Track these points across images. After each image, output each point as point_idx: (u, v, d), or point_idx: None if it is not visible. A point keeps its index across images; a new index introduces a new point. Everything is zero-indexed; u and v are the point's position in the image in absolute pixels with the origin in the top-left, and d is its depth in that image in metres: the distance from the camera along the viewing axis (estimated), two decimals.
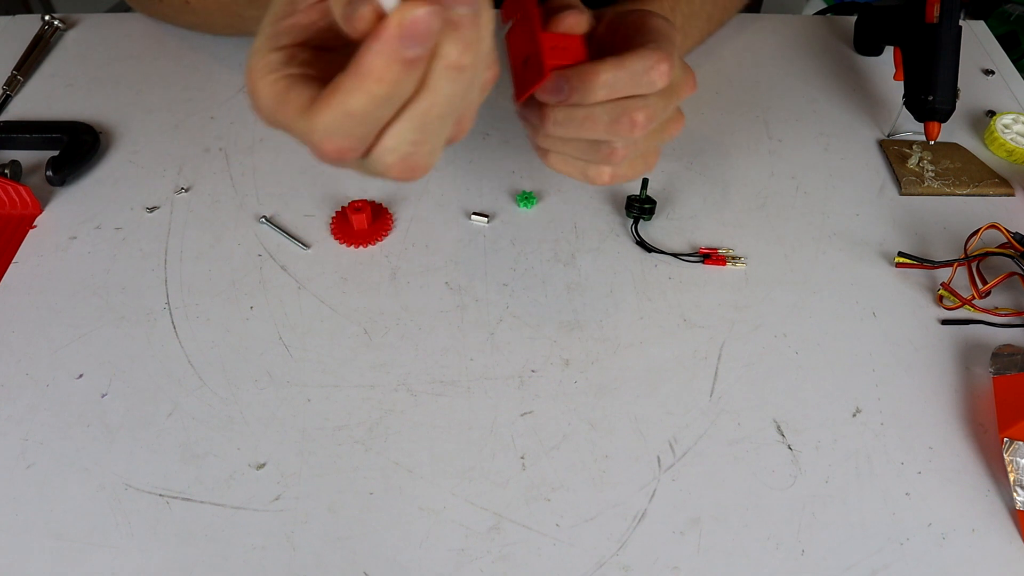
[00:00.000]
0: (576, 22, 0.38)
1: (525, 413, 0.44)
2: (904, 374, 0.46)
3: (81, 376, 0.45)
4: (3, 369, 0.46)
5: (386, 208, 0.55)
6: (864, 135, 0.62)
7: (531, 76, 0.39)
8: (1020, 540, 0.39)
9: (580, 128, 0.40)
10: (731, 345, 0.47)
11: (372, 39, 0.26)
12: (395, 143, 0.30)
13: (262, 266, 0.51)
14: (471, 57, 0.28)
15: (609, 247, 0.53)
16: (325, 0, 0.31)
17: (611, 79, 0.38)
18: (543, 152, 0.44)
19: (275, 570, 0.38)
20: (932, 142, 0.57)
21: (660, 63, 0.39)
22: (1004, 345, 0.47)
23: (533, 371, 0.46)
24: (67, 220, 0.54)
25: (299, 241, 0.53)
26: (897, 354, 0.47)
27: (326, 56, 0.32)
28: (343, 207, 0.54)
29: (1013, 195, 0.57)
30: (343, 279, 0.51)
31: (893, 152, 0.60)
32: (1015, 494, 0.40)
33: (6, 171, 0.56)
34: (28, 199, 0.54)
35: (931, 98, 0.55)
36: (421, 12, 0.25)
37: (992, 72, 0.68)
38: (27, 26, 0.70)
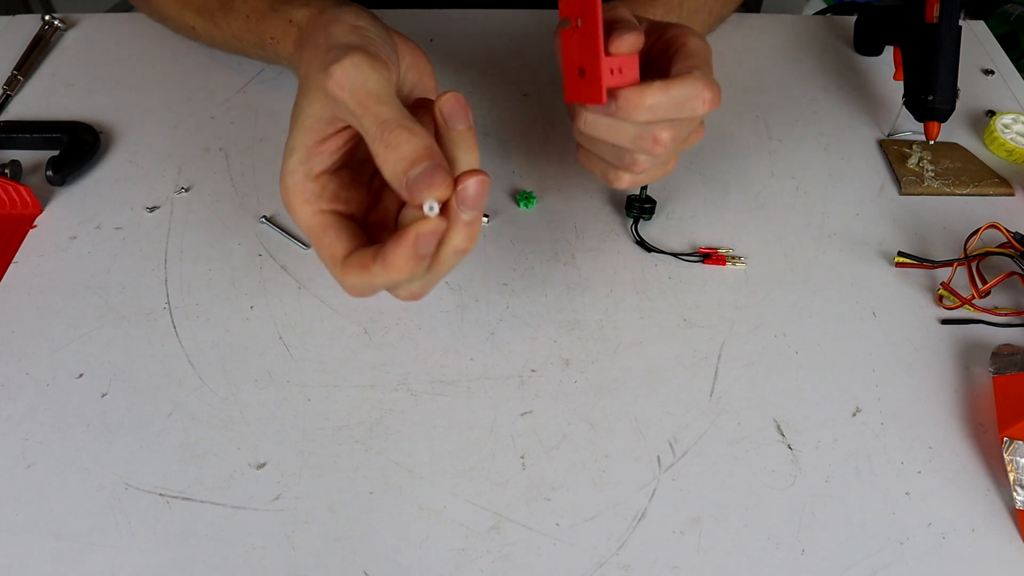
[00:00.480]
0: (635, 42, 0.40)
1: (525, 413, 0.44)
2: (904, 374, 0.46)
3: (81, 376, 0.45)
4: (3, 369, 0.46)
5: None
6: (864, 135, 0.62)
7: (586, 93, 0.41)
8: (1020, 540, 0.39)
9: (607, 134, 0.43)
10: (731, 345, 0.47)
11: (395, 243, 0.33)
12: (406, 291, 0.38)
13: (262, 266, 0.51)
14: (473, 243, 0.36)
15: (609, 247, 0.53)
16: (350, 128, 0.37)
17: (655, 104, 0.40)
18: (577, 145, 0.47)
19: (275, 570, 0.38)
20: (932, 142, 0.57)
21: (705, 91, 0.41)
22: (1004, 345, 0.47)
23: (533, 371, 0.46)
24: (67, 220, 0.54)
25: (299, 241, 0.53)
26: (897, 354, 0.47)
27: (348, 176, 0.39)
28: None
29: (1013, 195, 0.57)
30: None
31: (893, 152, 0.60)
32: (1015, 493, 0.40)
33: (6, 171, 0.56)
34: (28, 199, 0.54)
35: (931, 98, 0.55)
36: (429, 227, 0.33)
37: (992, 72, 0.68)
38: (27, 26, 0.70)
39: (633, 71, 0.40)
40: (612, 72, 0.39)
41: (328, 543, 0.39)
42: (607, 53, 0.39)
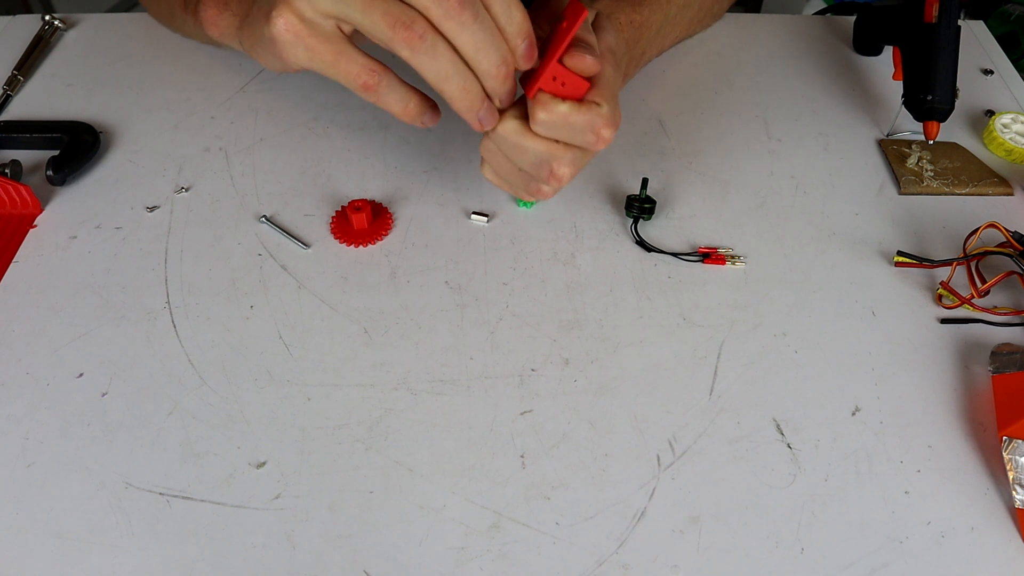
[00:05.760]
0: (589, 66, 0.40)
1: (525, 412, 0.44)
2: (903, 373, 0.46)
3: (81, 375, 0.45)
4: (3, 368, 0.46)
5: (386, 207, 0.55)
6: (863, 135, 0.62)
7: (526, 86, 0.42)
8: (1019, 538, 0.39)
9: (510, 152, 0.44)
10: (730, 344, 0.47)
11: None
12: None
13: (262, 265, 0.51)
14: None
15: (609, 246, 0.53)
16: None
17: (552, 121, 0.40)
18: (482, 160, 0.48)
19: (275, 568, 0.38)
20: (931, 142, 0.57)
21: (604, 129, 0.41)
22: (1003, 344, 0.47)
23: (533, 370, 0.46)
24: (67, 219, 0.54)
25: (299, 240, 0.53)
26: (896, 353, 0.47)
27: None
28: (343, 206, 0.54)
29: (1012, 194, 0.57)
30: (343, 278, 0.51)
31: (892, 152, 0.60)
32: (1014, 492, 0.40)
33: (6, 171, 0.56)
34: (28, 199, 0.54)
35: (930, 98, 0.55)
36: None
37: (991, 72, 0.68)
38: (27, 26, 0.71)
39: (577, 91, 0.41)
40: (555, 79, 0.40)
41: (328, 542, 0.39)
42: (562, 61, 0.39)
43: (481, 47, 0.37)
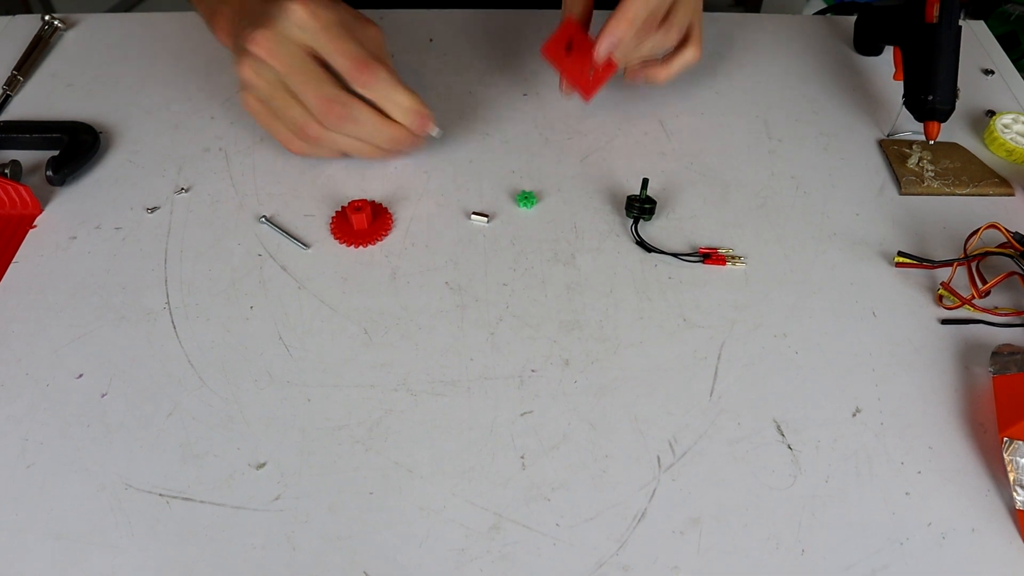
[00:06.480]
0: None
1: (525, 413, 0.44)
2: (904, 374, 0.46)
3: (81, 376, 0.45)
4: (3, 369, 0.46)
5: (386, 208, 0.55)
6: (864, 135, 0.62)
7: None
8: (1020, 540, 0.39)
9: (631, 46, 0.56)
10: (731, 345, 0.47)
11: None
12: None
13: (262, 266, 0.51)
14: None
15: (609, 247, 0.53)
16: None
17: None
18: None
19: (275, 570, 0.38)
20: (932, 142, 0.57)
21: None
22: (1004, 345, 0.47)
23: (533, 371, 0.46)
24: (67, 220, 0.54)
25: (299, 241, 0.53)
26: (897, 354, 0.47)
27: None
28: (343, 207, 0.54)
29: (1013, 195, 0.57)
30: (343, 279, 0.51)
31: (893, 152, 0.60)
32: (1015, 494, 0.40)
33: (6, 171, 0.56)
34: (28, 199, 0.54)
35: (931, 98, 0.55)
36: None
37: (992, 72, 0.68)
38: (27, 26, 0.70)
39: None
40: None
41: (328, 543, 0.39)
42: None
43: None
